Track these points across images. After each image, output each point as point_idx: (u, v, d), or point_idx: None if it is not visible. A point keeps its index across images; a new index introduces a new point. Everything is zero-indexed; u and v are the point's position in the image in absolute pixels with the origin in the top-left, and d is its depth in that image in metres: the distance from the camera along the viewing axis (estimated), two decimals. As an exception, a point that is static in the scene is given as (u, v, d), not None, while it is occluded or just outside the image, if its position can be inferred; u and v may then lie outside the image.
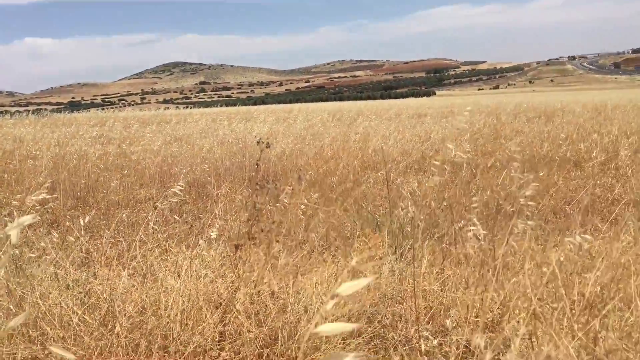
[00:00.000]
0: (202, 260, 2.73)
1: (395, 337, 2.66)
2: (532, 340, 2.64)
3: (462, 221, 4.12)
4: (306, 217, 5.57)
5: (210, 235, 2.75)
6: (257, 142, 3.49)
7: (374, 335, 2.67)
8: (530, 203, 4.02)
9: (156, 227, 2.78)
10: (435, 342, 2.46)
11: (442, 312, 3.08)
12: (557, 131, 12.66)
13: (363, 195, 7.00)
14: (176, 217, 3.36)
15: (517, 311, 3.28)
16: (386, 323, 2.71)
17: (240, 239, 2.76)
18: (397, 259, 3.51)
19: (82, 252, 3.22)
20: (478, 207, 3.49)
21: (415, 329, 2.58)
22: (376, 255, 3.63)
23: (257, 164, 2.91)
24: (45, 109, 28.01)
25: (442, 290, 3.14)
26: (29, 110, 25.73)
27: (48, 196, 3.63)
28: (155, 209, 2.68)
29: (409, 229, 4.33)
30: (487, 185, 7.67)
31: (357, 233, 4.04)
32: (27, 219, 1.01)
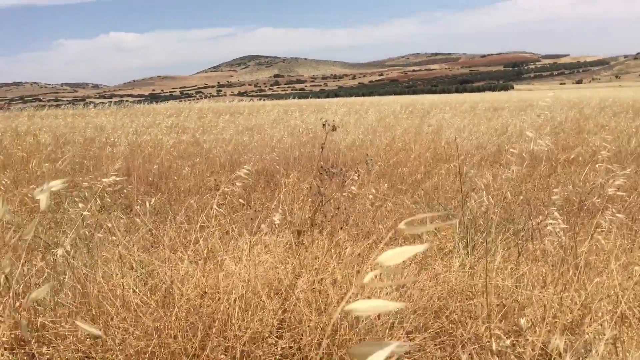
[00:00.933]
0: (264, 246, 2.66)
1: (464, 334, 2.49)
2: (617, 345, 2.40)
3: (540, 217, 3.86)
4: (374, 208, 5.44)
5: (274, 220, 2.68)
6: (323, 124, 3.39)
7: (440, 331, 2.51)
8: (619, 193, 3.71)
9: (221, 209, 2.73)
10: (508, 342, 2.27)
11: (516, 310, 2.87)
12: (647, 127, 11.89)
13: (434, 188, 6.78)
14: (241, 200, 3.31)
15: (600, 314, 3.02)
16: (454, 319, 2.55)
17: (303, 225, 2.67)
18: (468, 252, 3.32)
19: (149, 235, 3.24)
20: (559, 201, 3.24)
21: (486, 327, 2.40)
22: (446, 247, 3.45)
23: (322, 147, 2.81)
24: (127, 101, 29.10)
25: (516, 287, 2.93)
26: (111, 102, 26.84)
27: (118, 178, 3.67)
28: (218, 190, 2.63)
29: (482, 223, 4.12)
30: (568, 180, 7.25)
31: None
32: (56, 184, 0.94)
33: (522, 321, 2.70)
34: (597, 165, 6.00)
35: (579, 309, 3.00)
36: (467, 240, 3.54)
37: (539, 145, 2.95)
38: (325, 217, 2.52)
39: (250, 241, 2.52)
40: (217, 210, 2.72)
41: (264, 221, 2.87)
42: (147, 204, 3.07)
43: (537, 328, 2.52)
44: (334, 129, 2.80)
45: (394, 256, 0.57)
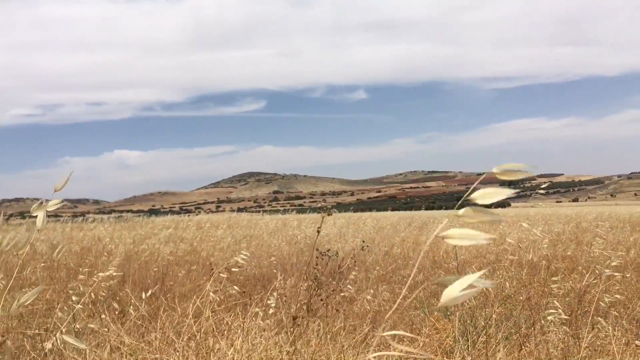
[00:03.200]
0: (258, 330, 2.59)
1: None
2: None
3: (540, 312, 3.79)
4: (373, 313, 5.33)
5: (268, 302, 2.62)
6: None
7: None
8: (618, 297, 3.66)
9: (216, 297, 2.69)
10: None
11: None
12: (644, 238, 11.92)
13: (433, 293, 6.68)
14: (235, 287, 3.26)
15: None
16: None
17: (299, 311, 2.62)
18: (468, 347, 3.22)
19: (140, 321, 3.17)
20: (558, 291, 3.20)
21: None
22: (446, 343, 3.35)
23: (318, 231, 2.82)
24: (126, 216, 29.28)
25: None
26: (110, 217, 26.99)
27: (114, 273, 3.64)
28: (211, 276, 2.60)
29: (482, 323, 4.02)
30: (569, 289, 7.17)
31: (425, 319, 3.78)
32: (53, 203, 0.96)
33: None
34: (597, 272, 5.95)
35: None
36: (467, 336, 3.45)
37: (534, 236, 2.96)
38: (322, 300, 2.48)
39: (244, 325, 2.46)
40: (212, 296, 2.68)
41: (258, 306, 2.82)
42: (144, 294, 3.03)
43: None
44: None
45: (486, 195, 0.61)
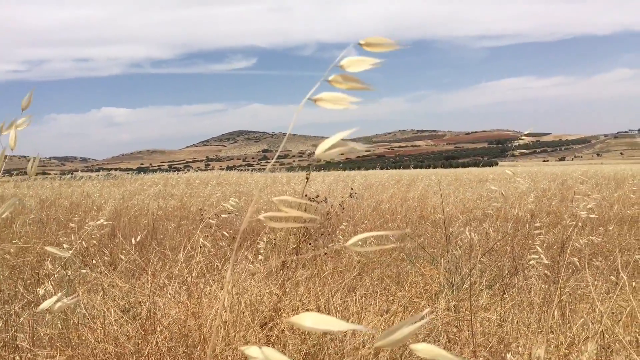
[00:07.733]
0: (248, 273, 2.65)
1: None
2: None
3: (524, 271, 3.89)
4: (360, 265, 5.43)
5: (258, 246, 2.68)
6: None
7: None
8: (596, 239, 3.75)
9: (206, 243, 2.74)
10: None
11: (502, 347, 2.85)
12: (627, 195, 12.12)
13: (419, 246, 6.80)
14: (225, 233, 3.31)
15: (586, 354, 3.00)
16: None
17: (288, 256, 2.68)
18: (453, 292, 3.32)
19: (131, 265, 3.23)
20: (541, 236, 3.28)
21: (472, 350, 2.38)
22: (431, 288, 3.45)
23: (307, 178, 2.85)
24: (115, 173, 29.20)
25: (501, 324, 2.92)
26: (99, 174, 26.96)
27: (105, 222, 3.67)
28: (202, 220, 2.64)
29: (467, 271, 4.12)
30: (553, 240, 7.32)
31: (412, 268, 3.87)
32: (22, 121, 0.98)
33: (509, 356, 2.68)
34: (578, 221, 6.08)
35: (565, 349, 2.98)
36: (451, 281, 3.54)
37: (518, 184, 3.01)
38: (311, 244, 2.54)
39: (234, 268, 2.51)
40: (202, 242, 2.72)
41: (248, 249, 2.87)
42: (133, 240, 3.07)
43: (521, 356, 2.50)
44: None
45: (353, 63, 0.63)
